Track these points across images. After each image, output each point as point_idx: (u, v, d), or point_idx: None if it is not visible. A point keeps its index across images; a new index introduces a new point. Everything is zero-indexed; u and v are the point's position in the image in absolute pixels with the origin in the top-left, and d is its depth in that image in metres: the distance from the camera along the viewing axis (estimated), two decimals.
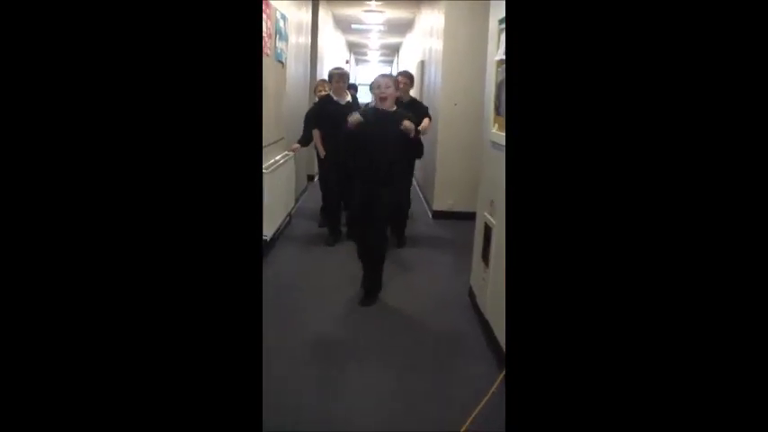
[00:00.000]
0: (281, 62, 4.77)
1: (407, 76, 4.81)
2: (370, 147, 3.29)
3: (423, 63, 7.71)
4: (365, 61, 20.96)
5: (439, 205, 5.82)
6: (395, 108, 3.35)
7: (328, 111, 4.53)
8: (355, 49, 17.26)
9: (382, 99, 3.27)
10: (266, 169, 3.95)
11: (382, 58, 19.39)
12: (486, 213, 3.10)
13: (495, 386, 2.30)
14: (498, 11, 2.96)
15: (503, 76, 2.80)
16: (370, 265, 3.46)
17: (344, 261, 4.15)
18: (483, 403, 2.20)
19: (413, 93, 5.22)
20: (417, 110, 4.42)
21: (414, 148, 3.41)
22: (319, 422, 2.21)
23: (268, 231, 4.04)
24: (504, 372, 2.35)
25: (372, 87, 3.36)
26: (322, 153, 4.72)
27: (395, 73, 6.29)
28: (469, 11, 5.39)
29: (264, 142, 3.89)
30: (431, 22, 6.99)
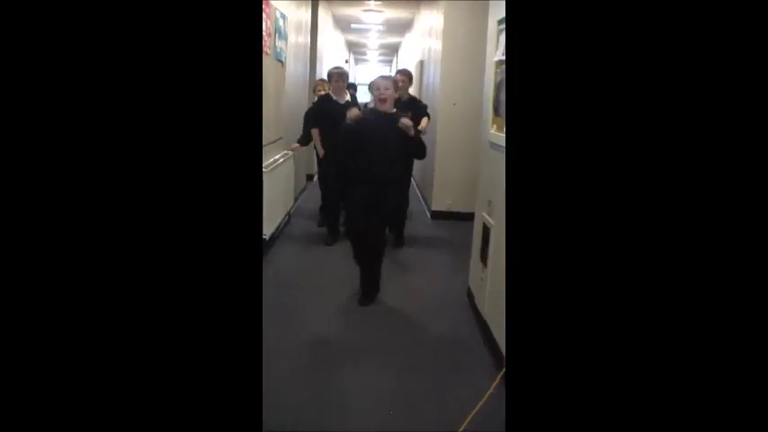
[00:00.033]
0: (281, 61, 4.78)
1: (406, 75, 4.81)
2: (369, 148, 3.28)
3: (422, 63, 7.71)
4: (364, 61, 20.94)
5: (437, 205, 5.83)
6: (394, 110, 3.34)
7: (327, 110, 4.54)
8: (354, 49, 17.25)
9: (382, 101, 3.27)
10: (265, 168, 3.96)
11: (381, 57, 19.38)
12: (484, 214, 3.11)
13: (493, 386, 2.30)
14: (497, 11, 2.97)
15: (501, 76, 2.80)
16: (368, 265, 3.47)
17: (343, 260, 4.15)
18: (481, 403, 2.21)
19: (412, 91, 5.23)
20: (416, 109, 4.42)
21: (415, 148, 3.39)
22: (319, 422, 2.22)
23: (267, 230, 4.05)
24: (502, 371, 2.36)
25: (372, 89, 3.36)
26: (321, 152, 4.73)
27: (393, 73, 6.28)
28: (469, 11, 5.40)
29: (264, 141, 3.89)
30: (430, 23, 7.00)
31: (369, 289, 3.48)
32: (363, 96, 7.69)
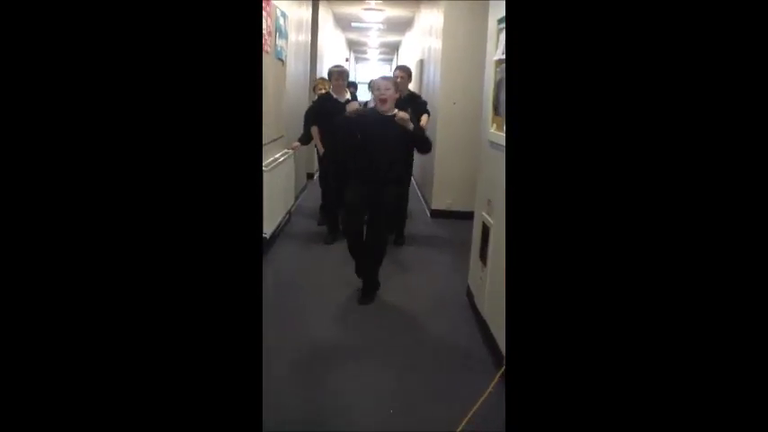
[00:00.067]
0: (281, 60, 4.77)
1: (404, 71, 4.81)
2: (370, 147, 3.29)
3: (422, 62, 7.71)
4: (365, 59, 20.93)
5: (437, 204, 5.83)
6: (395, 111, 3.33)
7: (328, 108, 4.53)
8: (355, 48, 17.24)
9: (382, 101, 3.27)
10: (266, 167, 3.96)
11: (382, 56, 19.37)
12: (483, 213, 3.11)
13: (491, 385, 2.31)
14: (497, 10, 2.97)
15: (501, 75, 2.80)
16: (362, 260, 3.47)
17: (344, 259, 4.14)
18: (480, 402, 2.21)
19: (413, 88, 5.22)
20: (416, 105, 4.41)
21: (418, 142, 3.39)
22: (319, 422, 2.22)
23: (267, 229, 4.05)
24: (501, 370, 2.36)
25: (372, 88, 3.36)
26: (321, 150, 4.73)
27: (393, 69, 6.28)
28: (469, 10, 5.39)
29: (264, 140, 3.89)
30: (430, 21, 6.99)
31: (368, 287, 3.48)
32: (363, 95, 7.70)
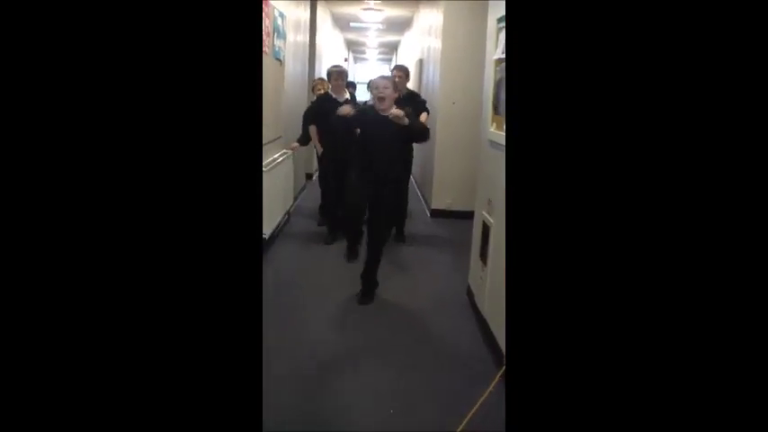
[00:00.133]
0: (280, 60, 4.77)
1: (402, 70, 4.81)
2: (370, 147, 3.33)
3: (421, 61, 7.71)
4: (363, 59, 20.93)
5: (437, 204, 5.83)
6: (394, 108, 3.34)
7: (326, 108, 4.53)
8: (354, 48, 17.24)
9: (380, 99, 3.29)
10: (265, 168, 3.95)
11: (380, 56, 19.38)
12: (484, 212, 3.11)
13: (492, 385, 2.30)
14: (497, 10, 2.97)
15: (501, 74, 2.80)
16: (353, 238, 3.46)
17: (343, 259, 4.15)
18: (480, 401, 2.21)
19: (411, 87, 5.22)
20: (416, 104, 4.42)
21: (414, 133, 3.39)
22: (319, 422, 2.22)
23: (267, 230, 4.05)
24: (501, 370, 2.36)
25: (371, 88, 3.38)
26: (319, 150, 4.73)
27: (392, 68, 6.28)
28: (468, 10, 5.39)
29: (263, 141, 3.89)
30: (429, 21, 6.99)
31: (367, 286, 3.48)
32: (362, 95, 7.70)
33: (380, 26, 11.29)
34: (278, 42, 4.59)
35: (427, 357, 2.78)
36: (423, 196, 6.74)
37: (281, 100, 5.00)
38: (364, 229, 3.65)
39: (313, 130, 4.70)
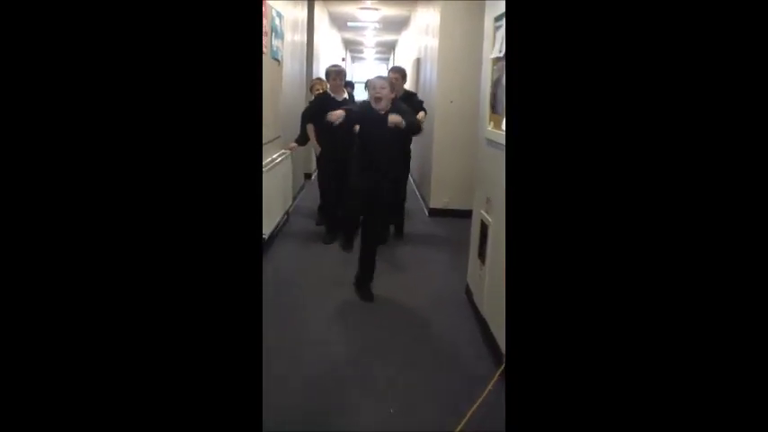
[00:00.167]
0: (277, 60, 4.77)
1: (399, 72, 4.81)
2: (369, 146, 3.39)
3: (418, 60, 7.70)
4: (361, 59, 20.92)
5: (435, 203, 5.83)
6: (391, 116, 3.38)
7: (325, 108, 4.52)
8: (351, 47, 17.23)
9: (377, 99, 3.33)
10: (264, 167, 3.96)
11: (378, 55, 19.35)
12: (482, 211, 3.11)
13: (491, 383, 2.31)
14: (494, 9, 2.97)
15: (498, 73, 2.80)
16: (347, 233, 3.55)
17: (342, 258, 4.15)
18: (480, 400, 2.22)
19: (409, 86, 5.21)
20: (413, 104, 4.42)
21: (412, 130, 3.49)
22: (319, 422, 2.22)
23: (266, 229, 4.05)
24: (500, 369, 2.36)
25: (368, 88, 3.42)
26: (317, 149, 4.72)
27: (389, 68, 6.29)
28: (465, 9, 5.39)
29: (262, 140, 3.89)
30: (426, 20, 6.99)
31: (364, 278, 3.51)
32: (360, 94, 7.69)
33: (378, 25, 11.28)
34: (276, 42, 4.59)
35: (426, 356, 2.79)
36: (421, 195, 6.74)
37: (279, 100, 5.00)
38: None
39: (311, 128, 4.70)
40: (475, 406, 2.19)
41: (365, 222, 3.51)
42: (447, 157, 5.70)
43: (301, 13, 6.41)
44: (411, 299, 3.53)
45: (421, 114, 4.49)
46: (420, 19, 7.91)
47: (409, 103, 4.35)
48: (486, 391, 2.25)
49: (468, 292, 3.44)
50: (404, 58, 10.95)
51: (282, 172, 4.80)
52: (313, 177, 6.92)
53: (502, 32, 2.74)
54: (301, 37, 6.52)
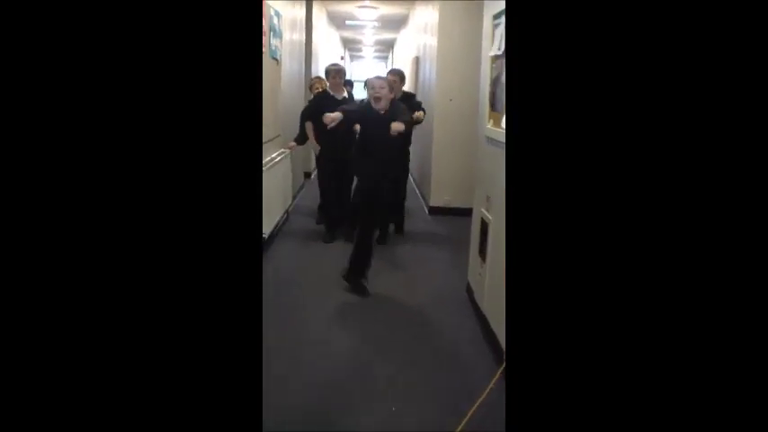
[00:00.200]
0: (276, 59, 4.77)
1: (397, 74, 4.80)
2: (370, 147, 3.43)
3: (417, 59, 7.70)
4: (360, 57, 20.91)
5: (435, 201, 5.83)
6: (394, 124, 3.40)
7: (325, 106, 4.52)
8: (350, 46, 17.22)
9: (376, 99, 3.34)
10: (263, 167, 3.95)
11: (377, 54, 19.35)
12: (482, 209, 3.11)
13: (492, 382, 2.31)
14: (492, 6, 2.96)
15: (497, 71, 2.80)
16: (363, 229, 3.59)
17: (342, 258, 4.15)
18: (481, 399, 2.21)
19: (408, 86, 5.21)
20: (411, 105, 4.43)
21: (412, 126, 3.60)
22: (319, 421, 2.22)
23: (265, 228, 4.05)
24: (501, 367, 2.36)
25: (367, 88, 3.43)
26: (316, 148, 4.71)
27: (388, 69, 6.30)
28: (463, 6, 5.39)
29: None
30: (425, 19, 6.98)
31: (356, 270, 3.52)
32: (359, 93, 7.69)
33: (376, 24, 11.28)
34: (274, 41, 4.58)
35: (427, 355, 2.78)
36: (421, 194, 6.74)
37: (278, 99, 5.00)
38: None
39: (309, 127, 4.69)
40: (476, 404, 2.19)
41: (363, 219, 3.53)
42: (447, 156, 5.70)
43: (300, 12, 6.41)
44: (412, 297, 3.53)
45: (420, 114, 4.49)
46: (419, 17, 7.91)
47: (408, 104, 4.36)
48: (487, 390, 2.24)
49: (469, 291, 3.44)
50: (403, 56, 10.95)
51: (282, 171, 4.80)
52: (313, 176, 6.92)
53: (501, 30, 2.73)
54: (300, 36, 6.52)
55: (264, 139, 4.16)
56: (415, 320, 3.21)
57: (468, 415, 2.15)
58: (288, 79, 5.59)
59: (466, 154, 5.28)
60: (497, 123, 2.77)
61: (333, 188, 4.69)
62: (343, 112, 3.41)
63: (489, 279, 2.91)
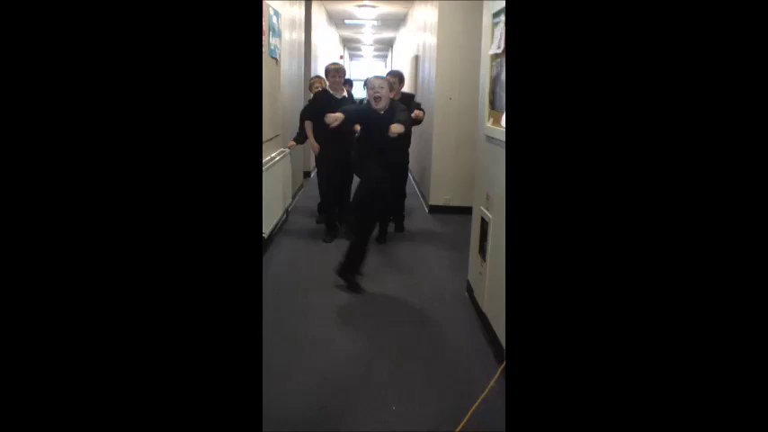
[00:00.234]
0: (275, 59, 4.76)
1: (396, 76, 4.82)
2: (370, 147, 3.46)
3: (417, 58, 7.70)
4: (359, 56, 20.91)
5: (435, 200, 5.83)
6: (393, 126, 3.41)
7: (324, 106, 4.52)
8: (349, 45, 17.22)
9: (376, 99, 3.35)
10: (263, 166, 3.95)
11: (376, 53, 19.35)
12: (482, 208, 3.11)
13: (493, 380, 2.31)
14: (492, 5, 2.96)
15: (497, 69, 2.80)
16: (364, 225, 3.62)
17: (341, 257, 4.15)
18: (481, 398, 2.21)
19: (408, 86, 5.22)
20: (410, 106, 4.44)
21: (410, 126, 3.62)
22: (320, 420, 2.22)
23: (265, 228, 4.05)
24: (502, 365, 2.36)
25: (367, 87, 3.44)
26: (314, 147, 4.68)
27: (387, 69, 6.32)
28: (462, 5, 5.39)
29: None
30: (424, 17, 6.98)
31: (351, 266, 3.54)
32: (359, 92, 7.69)
33: (375, 23, 11.27)
34: (273, 41, 4.58)
35: (427, 353, 2.78)
36: (421, 192, 6.74)
37: (278, 98, 5.00)
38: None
39: (308, 125, 4.68)
40: (477, 403, 2.19)
41: (363, 218, 3.54)
42: (446, 155, 5.70)
43: (299, 11, 6.40)
44: (412, 296, 3.53)
45: (419, 112, 4.50)
46: (418, 16, 7.91)
47: (407, 105, 4.38)
48: (487, 388, 2.24)
49: (469, 289, 3.44)
50: (402, 55, 10.94)
51: (282, 170, 4.80)
52: (312, 176, 6.92)
53: (500, 28, 2.73)
54: (299, 35, 6.52)
55: (264, 138, 4.15)
56: (416, 319, 3.21)
57: (469, 414, 2.15)
58: (287, 79, 5.59)
59: (465, 152, 5.30)
60: (497, 122, 2.77)
61: (333, 188, 4.69)
62: (345, 112, 3.41)
63: (489, 278, 2.91)
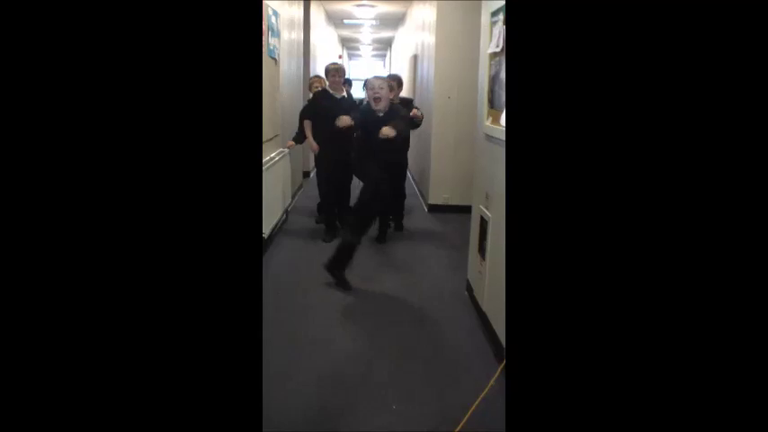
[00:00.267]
0: (274, 59, 4.76)
1: (395, 80, 4.82)
2: (369, 148, 3.50)
3: (415, 57, 7.70)
4: (358, 56, 20.90)
5: (434, 199, 5.83)
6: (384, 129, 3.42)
7: (324, 105, 4.52)
8: (348, 44, 17.21)
9: (376, 100, 3.36)
10: (263, 166, 3.95)
11: (375, 52, 19.34)
12: (481, 207, 3.11)
13: (493, 379, 2.31)
14: (490, 4, 2.96)
15: (496, 68, 2.80)
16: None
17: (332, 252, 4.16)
18: (481, 396, 2.21)
19: (407, 82, 5.22)
20: (409, 109, 4.45)
21: (407, 129, 3.64)
22: (320, 420, 2.22)
23: (265, 228, 4.05)
24: (502, 364, 2.36)
25: (366, 88, 3.44)
26: (313, 147, 4.67)
27: (387, 69, 6.32)
28: (461, 4, 5.39)
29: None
30: (423, 17, 6.98)
31: (341, 262, 3.55)
32: (358, 92, 7.69)
33: (374, 22, 11.27)
34: (272, 41, 4.58)
35: (427, 353, 2.79)
36: (420, 192, 6.74)
37: (277, 98, 4.99)
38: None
39: (308, 124, 4.67)
40: (477, 401, 2.19)
41: (361, 218, 3.56)
42: (446, 154, 5.70)
43: (297, 11, 6.40)
44: (411, 295, 3.53)
45: (418, 112, 4.51)
46: (416, 15, 7.90)
47: (405, 107, 4.40)
48: (487, 387, 2.25)
49: (469, 288, 3.44)
50: (401, 54, 10.94)
51: (281, 170, 4.80)
52: (312, 176, 6.91)
53: (499, 27, 2.73)
54: (298, 35, 6.51)
55: (263, 138, 4.15)
56: (415, 318, 3.21)
57: (469, 413, 2.15)
58: (286, 78, 5.59)
59: (464, 151, 5.30)
60: (496, 121, 2.77)
61: (332, 188, 4.69)
62: (354, 119, 3.43)
63: (489, 276, 2.91)
